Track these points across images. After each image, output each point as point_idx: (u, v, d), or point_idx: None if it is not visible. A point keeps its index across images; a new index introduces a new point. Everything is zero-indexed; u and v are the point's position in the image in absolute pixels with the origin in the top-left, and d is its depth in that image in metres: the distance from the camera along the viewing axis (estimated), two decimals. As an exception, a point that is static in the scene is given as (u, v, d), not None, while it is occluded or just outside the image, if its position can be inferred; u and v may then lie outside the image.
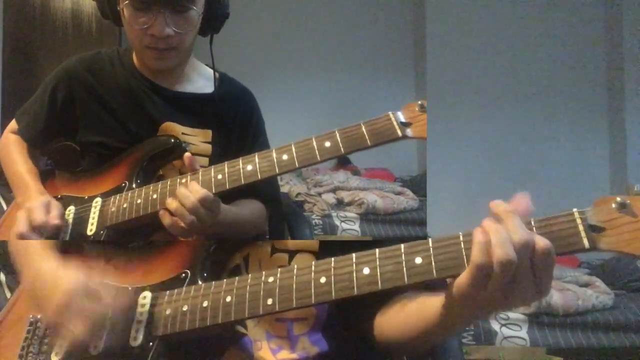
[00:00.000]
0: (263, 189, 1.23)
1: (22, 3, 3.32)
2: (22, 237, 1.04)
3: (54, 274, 0.86)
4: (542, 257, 0.62)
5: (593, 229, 0.63)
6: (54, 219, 1.07)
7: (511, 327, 2.59)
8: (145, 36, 1.10)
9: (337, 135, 0.92)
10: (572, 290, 2.72)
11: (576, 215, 0.64)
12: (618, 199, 0.64)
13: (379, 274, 0.68)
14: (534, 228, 0.64)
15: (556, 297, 2.64)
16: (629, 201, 0.64)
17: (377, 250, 0.70)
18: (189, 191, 0.97)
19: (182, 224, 0.98)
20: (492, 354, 2.48)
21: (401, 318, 0.81)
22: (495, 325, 2.58)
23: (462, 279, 0.64)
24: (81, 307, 0.80)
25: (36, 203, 1.09)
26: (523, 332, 2.59)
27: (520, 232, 0.62)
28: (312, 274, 0.73)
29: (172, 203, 0.99)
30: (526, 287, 0.62)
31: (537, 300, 0.66)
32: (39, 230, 1.05)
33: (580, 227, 0.64)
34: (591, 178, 4.15)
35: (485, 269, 0.62)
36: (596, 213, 0.64)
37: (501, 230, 0.62)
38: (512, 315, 2.63)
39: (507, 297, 0.63)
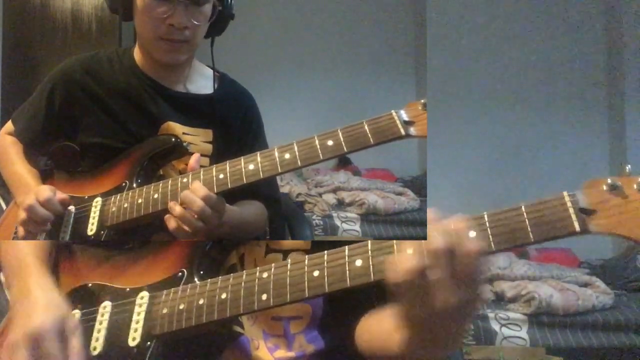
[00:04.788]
0: (263, 190, 1.23)
1: (22, 3, 3.31)
2: (30, 208, 1.04)
3: (36, 299, 0.81)
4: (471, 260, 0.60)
5: (584, 212, 0.62)
6: (60, 194, 1.08)
7: (511, 327, 2.60)
8: (161, 26, 1.11)
9: (340, 133, 0.91)
10: (572, 290, 2.72)
11: (566, 198, 0.63)
12: (609, 180, 0.63)
13: (371, 265, 0.68)
14: (524, 213, 0.64)
15: (556, 297, 2.64)
16: (620, 182, 0.63)
17: (369, 242, 0.71)
18: (194, 195, 0.96)
19: (188, 229, 0.97)
20: (492, 354, 2.48)
21: (370, 337, 0.82)
22: (495, 325, 2.58)
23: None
24: (46, 348, 0.75)
25: (42, 186, 1.11)
26: (523, 332, 2.59)
27: (437, 241, 0.60)
28: (306, 267, 0.73)
29: (175, 208, 0.97)
30: (445, 293, 0.60)
31: (474, 308, 0.64)
32: (47, 206, 1.05)
33: (571, 210, 0.63)
34: (591, 177, 4.14)
35: (399, 286, 0.62)
36: (587, 195, 0.63)
37: (408, 246, 0.63)
38: (512, 315, 2.64)
39: (433, 314, 0.61)
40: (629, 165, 0.64)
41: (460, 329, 0.64)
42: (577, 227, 0.62)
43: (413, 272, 0.60)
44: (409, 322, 0.64)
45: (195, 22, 1.11)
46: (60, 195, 1.09)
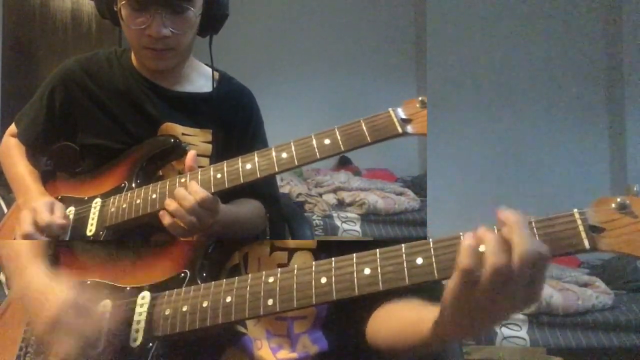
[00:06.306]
0: (262, 189, 1.23)
1: (22, 3, 3.31)
2: (27, 237, 1.03)
3: (44, 288, 0.85)
4: (539, 264, 0.60)
5: (593, 230, 0.63)
6: (59, 219, 1.07)
7: (511, 327, 2.60)
8: (142, 36, 1.10)
9: (337, 132, 0.91)
10: (572, 290, 2.72)
11: (576, 215, 0.64)
12: (618, 199, 0.63)
13: (379, 274, 0.68)
14: (535, 229, 0.64)
15: (556, 297, 2.64)
16: (629, 202, 0.63)
17: (377, 250, 0.70)
18: (187, 192, 0.96)
19: (182, 224, 0.97)
20: (492, 354, 2.48)
21: (392, 326, 0.81)
22: (495, 325, 2.58)
23: (450, 283, 0.63)
24: (70, 325, 0.79)
25: (40, 203, 1.09)
26: (523, 332, 2.59)
27: (530, 243, 0.60)
28: (313, 274, 0.72)
29: (171, 204, 0.98)
30: (517, 293, 0.61)
31: (528, 306, 0.65)
32: (44, 231, 1.05)
33: (581, 228, 0.63)
34: (591, 178, 4.15)
35: (470, 273, 0.61)
36: (596, 213, 0.64)
37: (496, 237, 0.62)
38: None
39: (495, 303, 0.61)
40: (637, 185, 0.65)
41: (508, 316, 0.65)
42: (586, 245, 0.63)
43: (501, 272, 0.60)
44: (463, 308, 0.63)
45: (174, 31, 1.09)
46: (60, 219, 1.07)
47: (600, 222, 0.63)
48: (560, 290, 2.69)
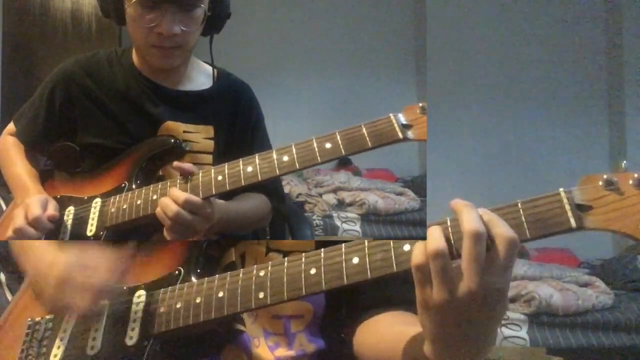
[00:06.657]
0: (266, 185, 1.23)
1: (22, 3, 3.31)
2: (18, 232, 1.04)
3: (52, 256, 0.89)
4: (504, 246, 0.58)
5: (580, 208, 0.62)
6: (50, 210, 1.08)
7: (511, 327, 2.60)
8: (151, 34, 1.10)
9: (338, 136, 0.92)
10: (572, 290, 2.72)
11: (562, 194, 0.63)
12: (605, 176, 0.62)
13: (368, 262, 0.68)
14: (521, 210, 0.63)
15: (556, 297, 2.64)
16: (616, 178, 0.62)
17: (366, 240, 0.70)
18: (170, 200, 0.97)
19: (172, 231, 0.98)
20: (492, 354, 2.48)
21: (375, 341, 0.81)
22: (495, 326, 2.58)
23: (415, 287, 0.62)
24: (81, 279, 0.84)
25: (34, 199, 1.09)
26: (523, 332, 2.59)
27: (473, 223, 0.59)
28: (303, 265, 0.73)
29: (158, 213, 0.99)
30: (473, 284, 0.58)
31: (496, 306, 0.60)
32: (35, 225, 1.05)
33: (567, 207, 0.62)
34: (591, 177, 4.15)
35: (423, 268, 0.60)
36: (583, 192, 0.63)
37: (434, 227, 0.62)
38: (512, 315, 2.64)
39: (453, 297, 0.59)
40: (625, 162, 0.64)
41: (484, 330, 0.61)
42: (572, 223, 0.62)
43: (439, 254, 0.59)
44: (431, 313, 0.61)
45: (184, 29, 1.10)
46: (50, 211, 1.08)
47: (587, 200, 0.62)
48: (560, 290, 2.69)
